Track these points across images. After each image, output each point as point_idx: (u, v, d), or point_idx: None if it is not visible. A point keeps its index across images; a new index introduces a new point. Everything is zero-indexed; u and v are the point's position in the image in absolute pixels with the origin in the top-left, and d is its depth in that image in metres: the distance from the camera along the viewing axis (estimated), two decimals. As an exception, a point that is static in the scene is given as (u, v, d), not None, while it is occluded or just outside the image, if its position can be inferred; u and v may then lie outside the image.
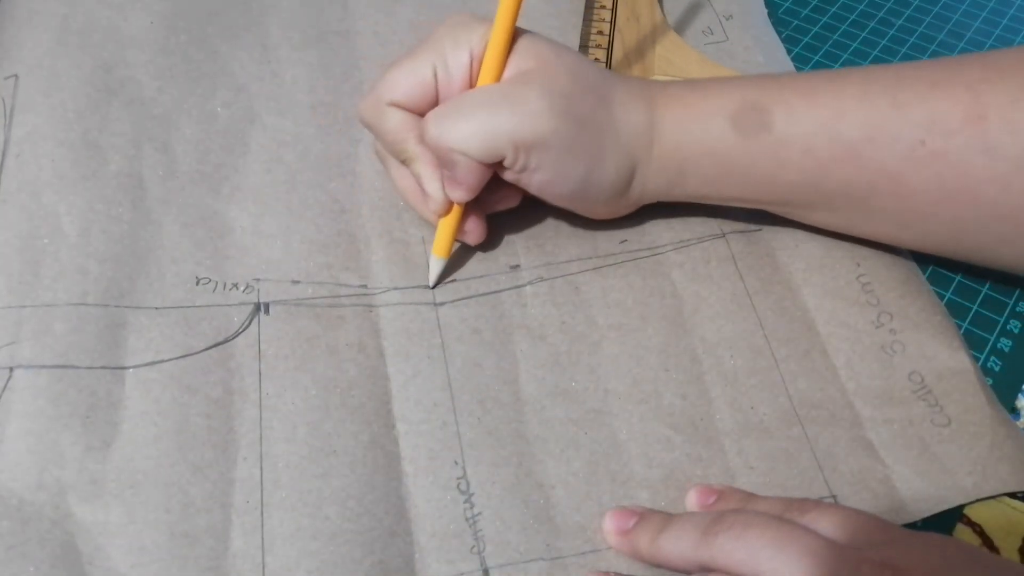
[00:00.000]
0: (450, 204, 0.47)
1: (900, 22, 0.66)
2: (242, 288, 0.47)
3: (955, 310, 0.49)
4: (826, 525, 0.36)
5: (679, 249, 0.50)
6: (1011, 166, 0.41)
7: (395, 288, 0.48)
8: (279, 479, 0.42)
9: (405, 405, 0.44)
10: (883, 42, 0.65)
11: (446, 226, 0.47)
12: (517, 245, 0.50)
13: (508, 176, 0.45)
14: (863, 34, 0.65)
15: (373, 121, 0.46)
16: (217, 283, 0.48)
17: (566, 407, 0.45)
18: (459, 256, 0.50)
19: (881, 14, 0.67)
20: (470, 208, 0.48)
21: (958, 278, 0.51)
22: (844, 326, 0.47)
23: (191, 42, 0.58)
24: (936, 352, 0.46)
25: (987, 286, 0.51)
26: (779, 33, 0.64)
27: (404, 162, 0.47)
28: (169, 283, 0.47)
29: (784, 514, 0.37)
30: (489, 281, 0.49)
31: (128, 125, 0.53)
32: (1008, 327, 0.49)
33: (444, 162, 0.44)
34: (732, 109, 0.45)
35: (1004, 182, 0.42)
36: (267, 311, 0.47)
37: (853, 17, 0.66)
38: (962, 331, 0.48)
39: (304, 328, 0.46)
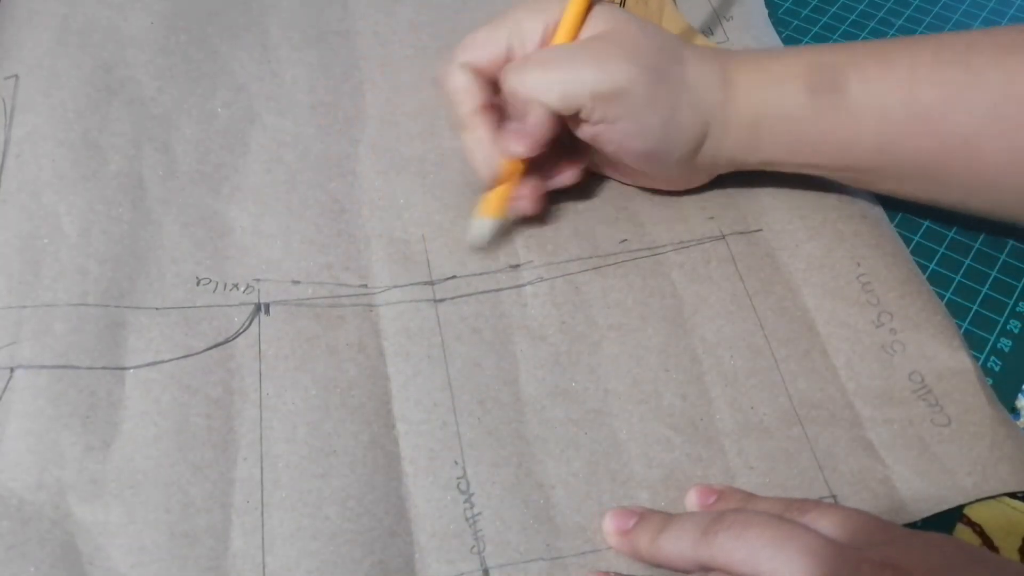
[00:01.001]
0: (497, 172, 0.47)
1: (900, 22, 0.66)
2: (242, 288, 0.47)
3: (955, 310, 0.49)
4: (826, 525, 0.36)
5: (679, 250, 0.50)
6: None
7: (395, 287, 0.48)
8: (279, 479, 0.42)
9: (405, 405, 0.44)
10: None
11: (501, 188, 0.48)
12: (517, 244, 0.50)
13: (584, 131, 0.46)
14: (863, 34, 0.65)
15: (442, 80, 0.48)
16: (217, 283, 0.48)
17: (566, 407, 0.45)
18: (459, 254, 0.50)
19: (881, 14, 0.67)
20: (529, 176, 0.48)
21: (958, 278, 0.51)
22: (844, 326, 0.48)
23: (191, 42, 0.58)
24: (936, 352, 0.46)
25: (987, 286, 0.51)
26: (779, 33, 0.64)
27: (455, 127, 0.48)
28: (169, 283, 0.47)
29: (784, 514, 0.37)
30: (489, 280, 0.49)
31: (128, 125, 0.53)
32: (1008, 327, 0.49)
33: (518, 112, 0.45)
34: (806, 72, 0.46)
35: None
36: (267, 311, 0.47)
37: (853, 17, 0.66)
38: (962, 331, 0.48)
39: (304, 328, 0.46)
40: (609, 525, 0.41)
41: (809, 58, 0.46)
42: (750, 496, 0.41)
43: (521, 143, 0.46)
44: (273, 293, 0.47)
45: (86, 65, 0.55)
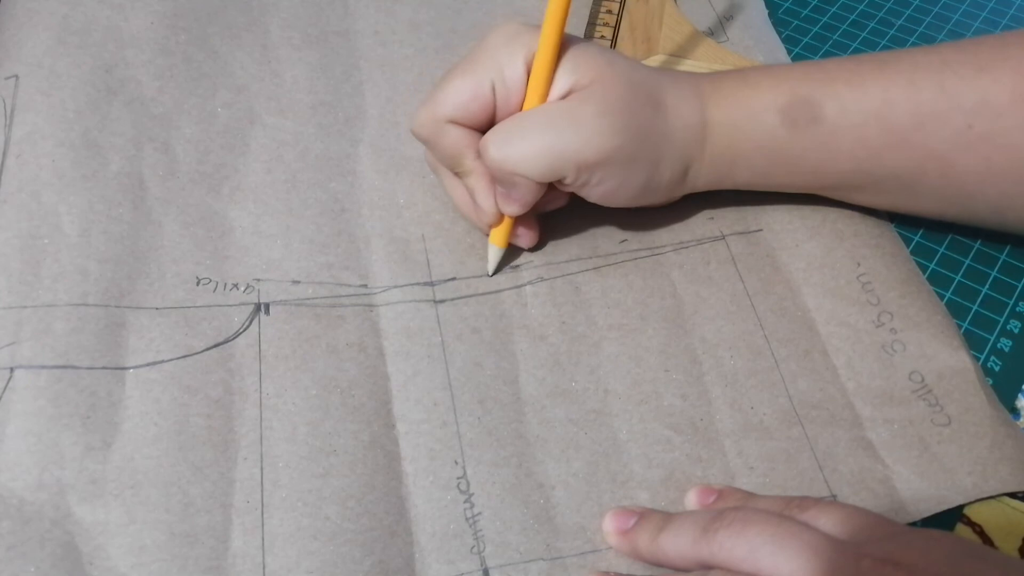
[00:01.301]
0: (502, 216, 0.47)
1: (900, 22, 0.66)
2: (242, 288, 0.47)
3: (955, 310, 0.49)
4: (826, 522, 0.36)
5: (679, 250, 0.50)
6: None
7: (395, 286, 0.48)
8: (279, 479, 0.42)
9: (405, 405, 0.44)
10: (883, 42, 0.65)
11: (504, 224, 0.48)
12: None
13: (566, 190, 0.46)
14: (863, 34, 0.65)
15: (429, 136, 0.46)
16: (217, 283, 0.47)
17: (566, 407, 0.45)
18: (459, 253, 0.50)
19: (881, 14, 0.67)
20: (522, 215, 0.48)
21: (958, 278, 0.51)
22: (844, 326, 0.48)
23: (191, 42, 0.58)
24: (937, 351, 0.46)
25: (987, 286, 0.51)
26: (779, 33, 0.64)
27: (459, 175, 0.47)
28: (169, 283, 0.47)
29: (784, 511, 0.37)
30: (489, 280, 0.49)
31: (128, 125, 0.53)
32: (1008, 327, 0.49)
33: (503, 182, 0.45)
34: (782, 103, 0.46)
35: None
36: (267, 311, 0.47)
37: (853, 17, 0.66)
38: (962, 331, 0.48)
39: (304, 328, 0.46)
40: (609, 525, 0.41)
41: (784, 86, 0.46)
42: (750, 495, 0.41)
43: (513, 206, 0.46)
44: (273, 293, 0.47)
45: (86, 65, 0.55)
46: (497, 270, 0.49)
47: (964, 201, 0.47)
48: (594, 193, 0.46)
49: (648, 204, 0.49)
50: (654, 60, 0.58)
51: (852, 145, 0.46)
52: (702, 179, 0.48)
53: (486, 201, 0.46)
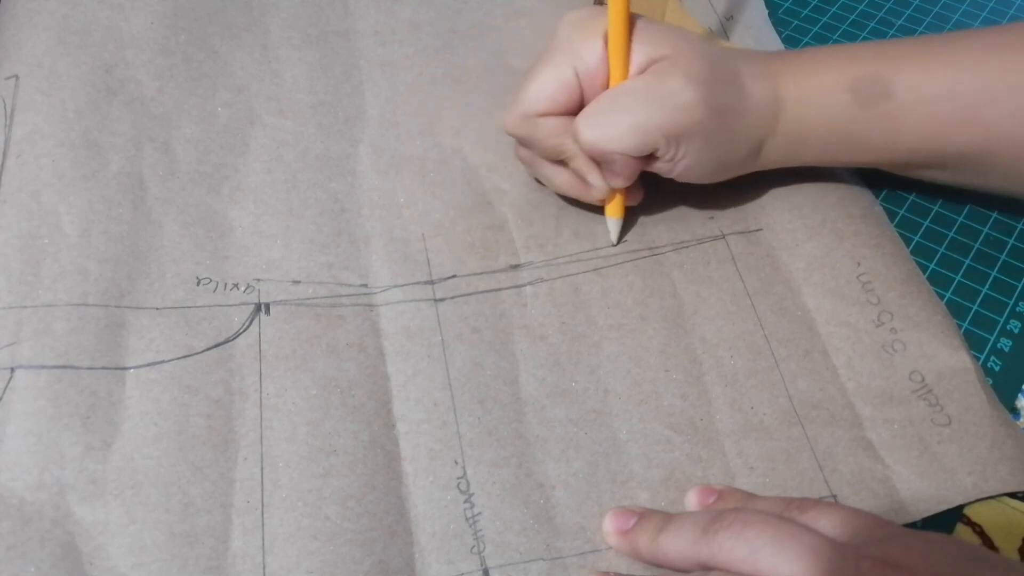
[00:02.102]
0: (612, 190, 0.48)
1: (900, 22, 0.66)
2: (242, 288, 0.47)
3: (955, 310, 0.49)
4: (826, 523, 0.36)
5: (679, 250, 0.50)
6: None
7: (395, 286, 0.48)
8: (279, 479, 0.42)
9: (405, 405, 0.44)
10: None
11: (616, 196, 0.49)
12: (517, 244, 0.50)
13: (656, 166, 0.47)
14: (863, 34, 0.65)
15: (526, 134, 0.47)
16: (218, 283, 0.48)
17: (566, 407, 0.45)
18: (458, 252, 0.50)
19: (881, 14, 0.67)
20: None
21: (958, 278, 0.51)
22: (844, 325, 0.48)
23: (191, 42, 0.58)
24: (937, 351, 0.46)
25: (987, 286, 0.51)
26: (779, 33, 0.64)
27: (564, 161, 0.48)
28: (169, 283, 0.47)
29: (784, 513, 0.37)
30: (489, 279, 0.49)
31: (128, 125, 0.53)
32: (1008, 327, 0.49)
33: (602, 161, 0.46)
34: (852, 80, 0.46)
35: None
36: (267, 311, 0.47)
37: (853, 17, 0.66)
38: (962, 331, 0.48)
39: (304, 328, 0.46)
40: (609, 525, 0.41)
41: (855, 66, 0.47)
42: (750, 496, 0.41)
43: (618, 180, 0.47)
44: (273, 293, 0.47)
45: (86, 65, 0.55)
46: (621, 238, 0.51)
47: None
48: (678, 167, 0.46)
49: (721, 179, 0.50)
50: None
51: (921, 122, 0.46)
52: (773, 156, 0.49)
53: (596, 179, 0.47)
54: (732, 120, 0.46)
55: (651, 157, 0.46)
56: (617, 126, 0.44)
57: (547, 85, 0.45)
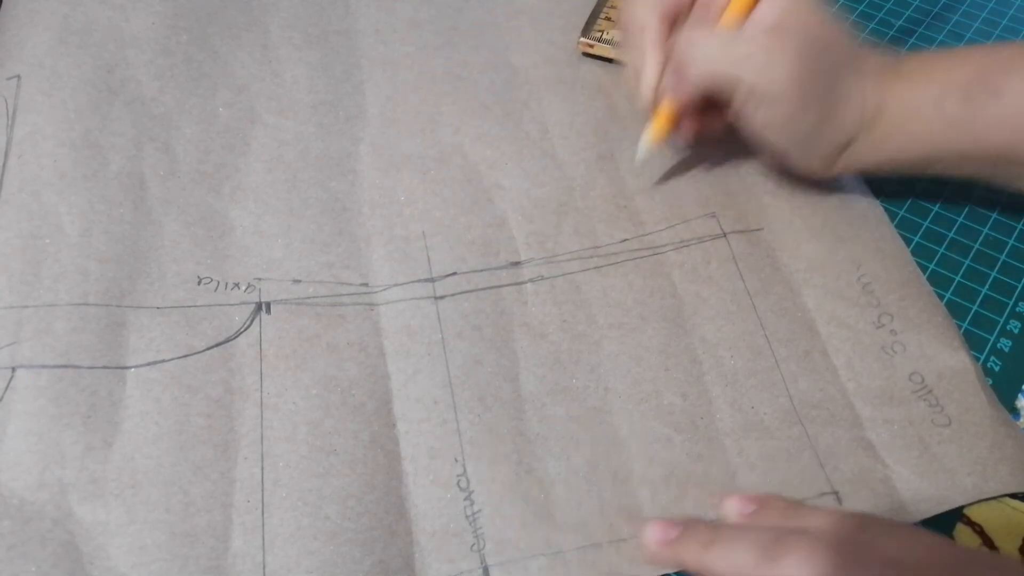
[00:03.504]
0: (653, 104, 0.49)
1: (900, 22, 0.66)
2: (243, 288, 0.47)
3: (955, 310, 0.49)
4: (894, 546, 0.34)
5: (679, 249, 0.50)
6: None
7: (396, 285, 0.48)
8: (279, 479, 0.42)
9: (405, 403, 0.44)
10: (883, 43, 0.64)
11: (663, 114, 0.50)
12: (518, 241, 0.50)
13: (735, 111, 0.47)
14: (863, 34, 0.65)
15: (630, 5, 0.49)
16: (218, 283, 0.48)
17: (566, 405, 0.45)
18: (459, 250, 0.50)
19: (881, 15, 0.67)
20: (685, 112, 0.50)
21: (958, 278, 0.51)
22: (845, 326, 0.48)
23: (192, 42, 0.58)
24: (937, 352, 0.46)
25: (987, 286, 0.51)
26: (779, 33, 0.64)
27: (624, 48, 0.50)
28: (170, 283, 0.47)
29: (841, 532, 0.35)
30: (489, 276, 0.49)
31: (129, 125, 0.53)
32: (1008, 327, 0.49)
33: (681, 70, 0.47)
34: (962, 81, 0.46)
35: None
36: (268, 310, 0.47)
37: (853, 18, 0.66)
38: (962, 331, 0.48)
39: (305, 327, 0.46)
40: (651, 535, 0.38)
41: (967, 67, 0.46)
42: (792, 505, 0.39)
43: (675, 89, 0.48)
44: (274, 292, 0.48)
45: (87, 65, 0.55)
46: (644, 162, 0.51)
47: None
48: (752, 122, 0.47)
49: (799, 165, 0.50)
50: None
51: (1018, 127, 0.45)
52: (865, 158, 0.49)
53: (645, 83, 0.49)
54: (824, 104, 0.46)
55: (718, 106, 0.47)
56: (712, 58, 0.45)
57: None
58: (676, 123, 0.50)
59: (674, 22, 0.48)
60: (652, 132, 0.50)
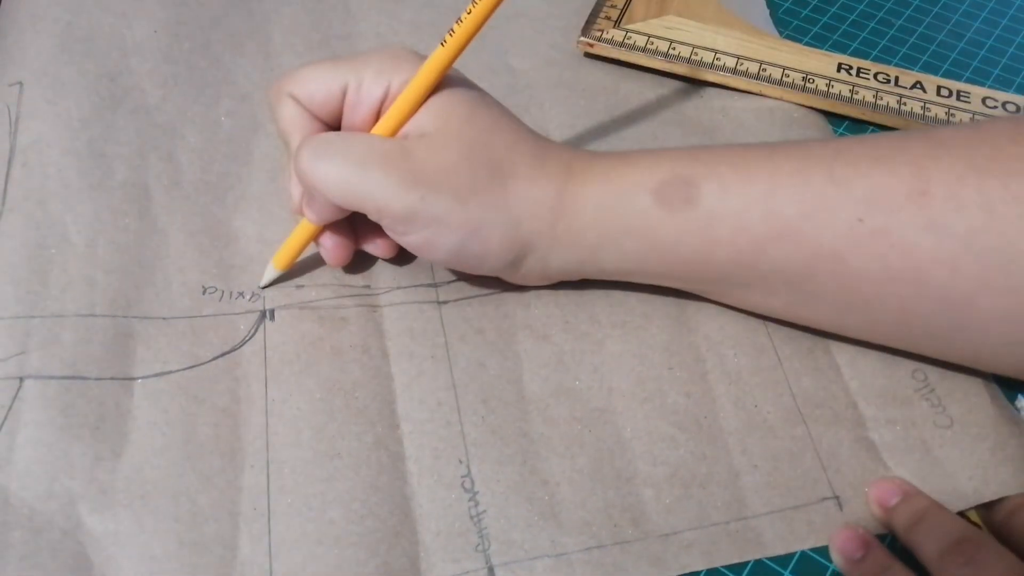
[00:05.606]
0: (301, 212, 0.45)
1: (900, 22, 0.66)
2: (248, 296, 0.48)
3: (956, 308, 0.49)
4: None
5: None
6: (958, 245, 0.38)
7: (398, 287, 0.49)
8: (284, 485, 0.42)
9: (409, 405, 0.45)
10: (883, 42, 0.65)
11: (293, 239, 0.47)
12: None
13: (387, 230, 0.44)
14: (863, 34, 0.65)
15: (272, 103, 0.45)
16: (223, 292, 0.48)
17: (570, 405, 0.45)
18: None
19: (881, 14, 0.67)
20: (336, 229, 0.46)
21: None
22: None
23: (194, 50, 0.58)
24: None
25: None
26: (779, 33, 0.64)
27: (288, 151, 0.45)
28: (176, 293, 0.47)
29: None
30: (492, 280, 0.49)
31: (133, 134, 0.53)
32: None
33: (306, 189, 0.43)
34: (657, 182, 0.42)
35: (952, 264, 0.38)
36: (272, 317, 0.47)
37: (853, 17, 0.66)
38: (963, 329, 0.48)
39: (308, 331, 0.47)
40: (873, 493, 0.43)
41: (663, 168, 0.43)
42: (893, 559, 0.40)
43: (310, 214, 0.44)
44: (278, 298, 0.48)
45: (90, 73, 0.55)
46: (268, 286, 0.48)
47: (863, 308, 0.42)
48: (403, 241, 0.43)
49: (489, 274, 0.46)
50: (664, 21, 0.59)
51: (732, 233, 0.41)
52: (556, 263, 0.45)
53: (294, 188, 0.45)
54: (476, 209, 0.41)
55: (380, 231, 0.44)
56: (333, 172, 0.41)
57: (313, 78, 0.43)
58: (309, 244, 0.47)
59: (320, 118, 0.44)
60: (280, 258, 0.47)
